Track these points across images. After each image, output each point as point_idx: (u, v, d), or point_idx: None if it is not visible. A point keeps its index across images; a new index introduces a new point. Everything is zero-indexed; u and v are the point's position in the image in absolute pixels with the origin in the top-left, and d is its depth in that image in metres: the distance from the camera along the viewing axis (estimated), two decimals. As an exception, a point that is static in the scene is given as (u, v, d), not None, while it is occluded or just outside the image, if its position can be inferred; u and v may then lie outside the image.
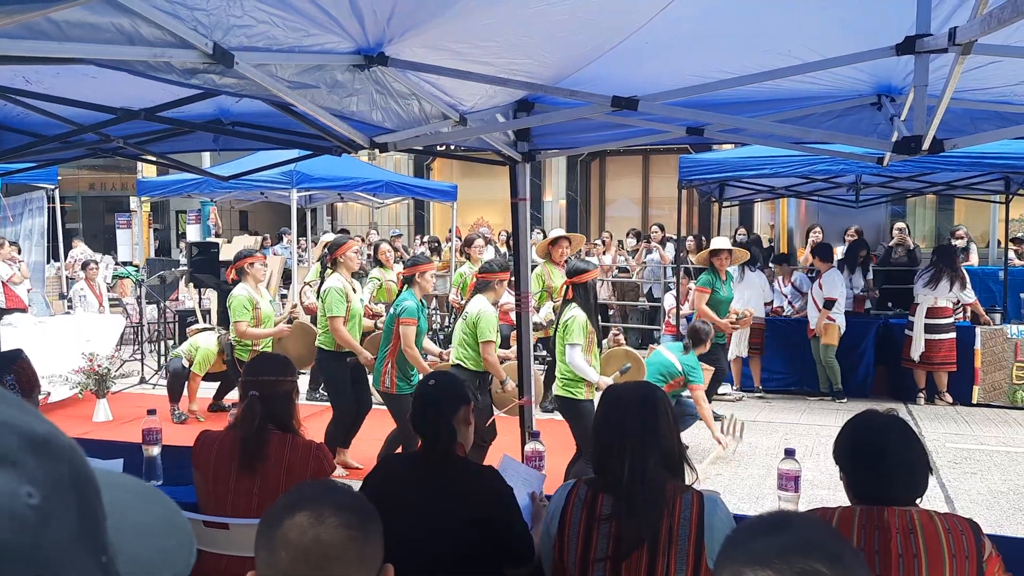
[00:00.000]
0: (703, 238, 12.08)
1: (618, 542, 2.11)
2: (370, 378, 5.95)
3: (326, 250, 6.53)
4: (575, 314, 5.02)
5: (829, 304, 8.59)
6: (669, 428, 2.22)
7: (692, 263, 9.86)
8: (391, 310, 5.63)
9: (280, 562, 1.24)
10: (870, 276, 9.60)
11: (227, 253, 12.31)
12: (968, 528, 2.00)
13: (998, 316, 8.88)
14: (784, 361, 9.17)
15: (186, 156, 5.71)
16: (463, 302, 8.56)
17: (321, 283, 6.26)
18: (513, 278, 5.12)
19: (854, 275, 9.55)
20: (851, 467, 2.14)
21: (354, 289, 6.05)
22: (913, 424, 7.67)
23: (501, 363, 5.58)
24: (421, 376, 5.37)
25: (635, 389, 2.32)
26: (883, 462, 2.06)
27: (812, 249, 9.70)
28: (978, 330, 8.54)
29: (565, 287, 5.19)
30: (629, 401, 2.23)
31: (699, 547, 2.06)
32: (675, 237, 10.58)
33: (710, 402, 7.81)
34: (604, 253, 12.83)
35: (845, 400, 8.64)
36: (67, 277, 11.62)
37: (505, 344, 7.25)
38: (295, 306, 7.44)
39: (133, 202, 14.76)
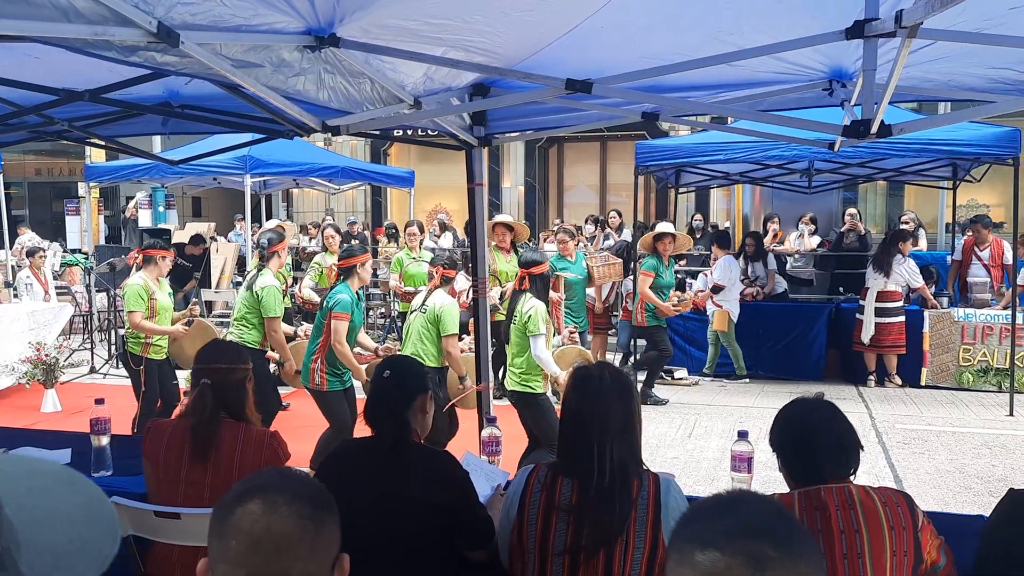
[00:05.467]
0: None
1: (579, 537, 2.09)
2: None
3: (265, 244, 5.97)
4: (536, 304, 4.92)
5: (716, 290, 8.93)
6: (640, 419, 2.25)
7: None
8: (324, 302, 5.24)
9: (231, 550, 1.20)
10: (773, 267, 9.80)
11: (181, 240, 12.09)
12: (903, 500, 2.08)
13: (945, 300, 9.09)
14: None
15: (135, 140, 5.56)
16: (403, 287, 8.44)
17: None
18: (471, 264, 5.07)
19: (753, 264, 9.70)
20: (784, 451, 2.22)
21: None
22: (864, 406, 7.83)
23: None
24: (352, 374, 5.15)
25: (615, 377, 2.25)
26: (812, 441, 2.15)
27: (715, 236, 9.95)
28: (926, 314, 8.74)
29: (520, 277, 5.09)
30: (609, 389, 2.19)
31: (656, 528, 2.09)
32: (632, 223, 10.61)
33: (652, 386, 7.97)
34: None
35: (747, 381, 8.97)
36: (14, 265, 11.30)
37: (463, 330, 7.20)
38: (195, 305, 6.70)
39: (81, 188, 14.38)
